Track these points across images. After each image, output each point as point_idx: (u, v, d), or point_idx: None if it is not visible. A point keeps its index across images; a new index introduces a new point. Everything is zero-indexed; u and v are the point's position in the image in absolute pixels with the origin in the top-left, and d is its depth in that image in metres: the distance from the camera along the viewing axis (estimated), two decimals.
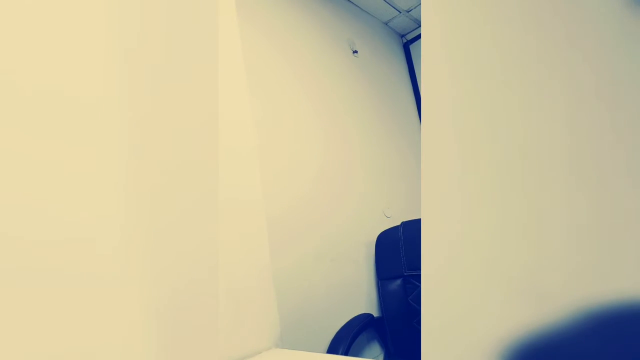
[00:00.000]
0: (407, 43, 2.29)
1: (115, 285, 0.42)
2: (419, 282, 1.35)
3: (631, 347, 0.24)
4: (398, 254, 1.42)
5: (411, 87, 2.20)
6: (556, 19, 0.30)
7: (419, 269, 1.35)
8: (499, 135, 0.30)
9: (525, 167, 0.29)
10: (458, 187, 0.31)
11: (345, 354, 1.15)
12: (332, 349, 1.18)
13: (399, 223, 1.52)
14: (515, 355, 0.26)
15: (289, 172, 1.30)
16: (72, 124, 0.42)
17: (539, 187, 0.28)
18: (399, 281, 1.39)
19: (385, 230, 1.52)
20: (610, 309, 0.25)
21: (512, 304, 0.28)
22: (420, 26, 2.23)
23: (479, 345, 0.28)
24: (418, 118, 2.14)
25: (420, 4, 1.73)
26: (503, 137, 0.30)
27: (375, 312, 1.42)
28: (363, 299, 1.42)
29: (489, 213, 0.30)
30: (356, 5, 1.98)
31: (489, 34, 0.32)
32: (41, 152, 0.39)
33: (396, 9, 2.08)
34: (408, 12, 2.11)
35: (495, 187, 0.30)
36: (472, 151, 0.31)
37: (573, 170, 0.28)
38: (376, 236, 1.52)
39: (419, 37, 2.26)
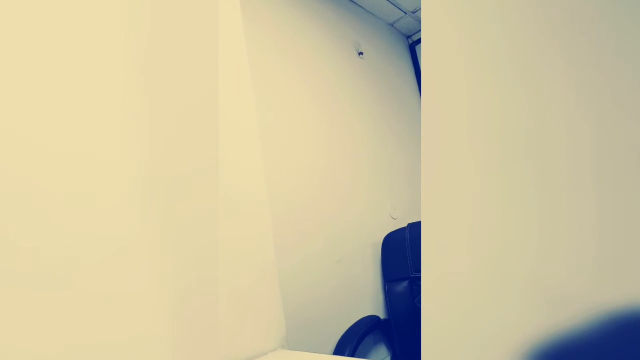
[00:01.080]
0: (413, 44, 2.29)
1: (120, 286, 0.42)
2: None
3: None
4: (404, 256, 1.41)
5: (417, 88, 2.20)
6: (561, 17, 0.29)
7: None
8: (502, 133, 0.30)
9: (535, 164, 0.29)
10: (462, 187, 0.31)
11: (352, 355, 1.14)
12: (339, 351, 1.18)
13: (405, 224, 1.51)
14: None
15: (295, 173, 1.30)
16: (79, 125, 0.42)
17: (550, 185, 0.28)
18: (405, 283, 1.38)
19: (392, 232, 1.51)
20: (631, 312, 0.24)
21: (526, 309, 0.27)
22: None
23: (487, 352, 0.27)
24: None
25: None
26: (507, 135, 0.30)
27: (381, 314, 1.42)
28: (369, 300, 1.41)
29: (498, 214, 0.29)
30: (361, 7, 1.98)
31: (489, 32, 0.32)
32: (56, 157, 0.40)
33: (402, 10, 2.07)
34: (414, 13, 2.11)
35: (503, 185, 0.29)
36: (476, 150, 0.31)
37: (589, 166, 0.27)
38: (382, 237, 1.52)
39: None
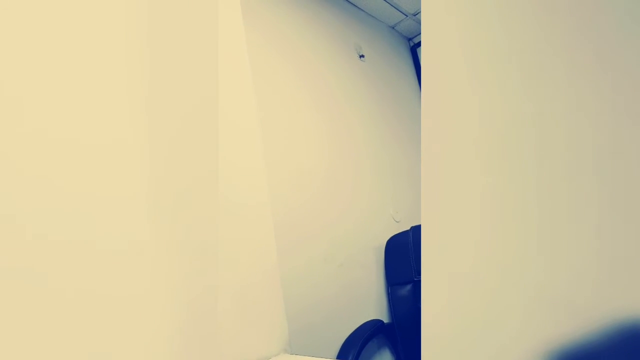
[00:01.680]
0: (415, 46, 2.29)
1: (122, 288, 0.42)
2: None
3: None
4: (408, 259, 1.40)
5: (419, 91, 2.19)
6: (561, 18, 0.29)
7: None
8: (504, 135, 0.30)
9: (540, 168, 0.28)
10: (464, 190, 0.30)
11: None
12: (342, 355, 1.17)
13: (408, 228, 1.50)
14: None
15: (298, 177, 1.30)
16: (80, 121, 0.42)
17: (555, 190, 0.27)
18: (409, 287, 1.37)
19: (395, 235, 1.50)
20: (638, 322, 0.24)
21: (530, 317, 0.26)
22: None
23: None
24: None
25: None
26: (509, 137, 0.29)
27: (385, 318, 1.40)
28: (373, 304, 1.40)
29: (500, 218, 0.28)
30: (362, 10, 1.99)
31: (489, 33, 0.31)
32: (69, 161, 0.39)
33: (402, 13, 2.08)
34: (414, 15, 2.11)
35: (506, 189, 0.29)
36: (477, 153, 0.30)
37: (596, 172, 0.26)
38: (385, 241, 1.51)
39: None
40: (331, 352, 1.19)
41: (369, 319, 1.34)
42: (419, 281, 1.36)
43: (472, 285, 0.28)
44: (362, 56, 1.83)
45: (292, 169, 1.29)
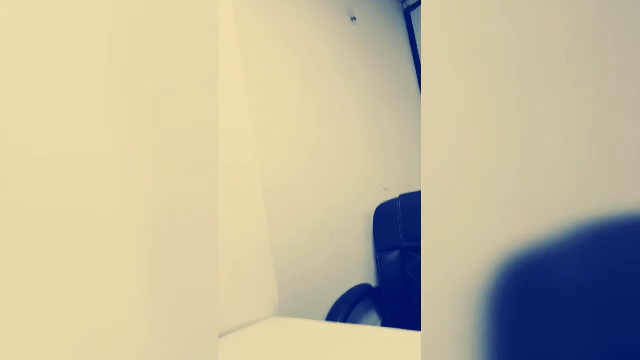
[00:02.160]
0: (408, 9, 2.20)
1: (115, 257, 0.42)
2: (417, 253, 1.37)
3: (627, 259, 0.24)
4: (396, 226, 1.43)
5: (412, 57, 2.14)
6: None
7: (417, 240, 1.37)
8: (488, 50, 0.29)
9: (515, 72, 0.28)
10: (444, 104, 0.30)
11: (344, 322, 1.19)
12: (331, 318, 1.22)
13: (397, 196, 1.53)
14: (510, 268, 0.26)
15: (287, 146, 1.29)
16: (69, 117, 0.41)
17: (530, 94, 0.28)
18: (396, 252, 1.41)
19: (384, 203, 1.53)
20: (607, 222, 0.25)
21: (506, 220, 0.27)
22: None
23: (474, 257, 0.28)
24: (418, 89, 2.10)
25: None
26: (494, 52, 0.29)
27: (373, 283, 1.46)
28: (362, 270, 1.45)
29: (479, 129, 0.29)
30: None
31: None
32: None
33: None
34: None
35: (482, 99, 0.29)
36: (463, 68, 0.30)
37: (569, 73, 0.27)
38: (374, 209, 1.53)
39: (420, 3, 2.17)
40: (321, 315, 1.24)
41: (358, 284, 1.39)
42: (407, 247, 1.40)
43: (462, 188, 0.29)
44: (354, 19, 1.77)
45: (281, 139, 1.28)
